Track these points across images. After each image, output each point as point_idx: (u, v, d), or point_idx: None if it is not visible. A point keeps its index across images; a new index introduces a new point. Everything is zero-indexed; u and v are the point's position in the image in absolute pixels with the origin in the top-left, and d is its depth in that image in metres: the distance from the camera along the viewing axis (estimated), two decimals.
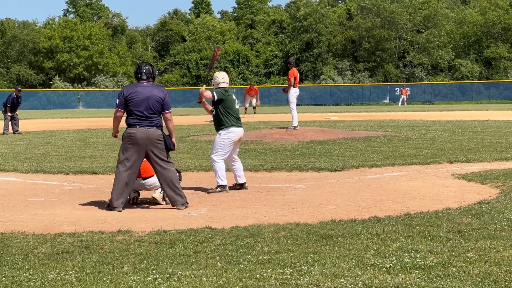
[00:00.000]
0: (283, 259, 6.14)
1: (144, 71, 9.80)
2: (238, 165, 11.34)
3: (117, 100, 9.71)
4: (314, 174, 13.02)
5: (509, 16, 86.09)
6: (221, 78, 11.24)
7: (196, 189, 11.35)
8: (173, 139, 9.85)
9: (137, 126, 9.55)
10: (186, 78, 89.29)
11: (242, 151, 17.38)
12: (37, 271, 5.89)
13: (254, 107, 40.54)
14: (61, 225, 8.35)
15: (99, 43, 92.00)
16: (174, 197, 9.63)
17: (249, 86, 41.24)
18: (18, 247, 6.91)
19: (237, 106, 11.33)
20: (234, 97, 11.32)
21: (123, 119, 9.84)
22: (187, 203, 9.68)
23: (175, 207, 9.62)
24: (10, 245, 6.98)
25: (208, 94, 11.06)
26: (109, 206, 9.60)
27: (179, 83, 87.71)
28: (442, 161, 14.30)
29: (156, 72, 10.27)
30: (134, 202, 10.07)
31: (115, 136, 10.04)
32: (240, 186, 11.35)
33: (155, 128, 9.61)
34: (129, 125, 9.63)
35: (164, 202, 10.01)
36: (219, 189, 11.02)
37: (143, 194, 10.51)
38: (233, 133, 11.10)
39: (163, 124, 9.81)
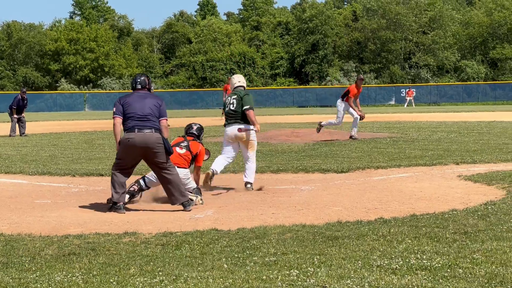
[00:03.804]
0: (289, 260, 6.15)
1: (139, 81, 9.95)
2: (248, 165, 11.66)
3: (114, 109, 9.76)
4: (320, 176, 13.02)
5: None
6: (237, 79, 12.00)
7: (203, 190, 11.33)
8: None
9: (136, 130, 9.51)
10: (192, 80, 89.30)
11: None
12: (44, 273, 5.91)
13: None
14: (67, 227, 8.36)
15: (105, 45, 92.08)
16: (174, 194, 9.58)
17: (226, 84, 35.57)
18: (25, 249, 6.92)
19: (227, 108, 11.71)
20: (228, 100, 11.73)
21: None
22: (191, 200, 9.67)
23: (175, 205, 9.60)
24: (17, 247, 6.99)
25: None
26: (112, 207, 9.60)
27: (185, 85, 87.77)
28: (448, 163, 14.27)
29: (153, 85, 10.36)
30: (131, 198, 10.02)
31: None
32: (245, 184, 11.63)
33: (153, 130, 9.55)
34: (127, 129, 9.60)
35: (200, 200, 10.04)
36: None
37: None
38: (225, 132, 11.78)
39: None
